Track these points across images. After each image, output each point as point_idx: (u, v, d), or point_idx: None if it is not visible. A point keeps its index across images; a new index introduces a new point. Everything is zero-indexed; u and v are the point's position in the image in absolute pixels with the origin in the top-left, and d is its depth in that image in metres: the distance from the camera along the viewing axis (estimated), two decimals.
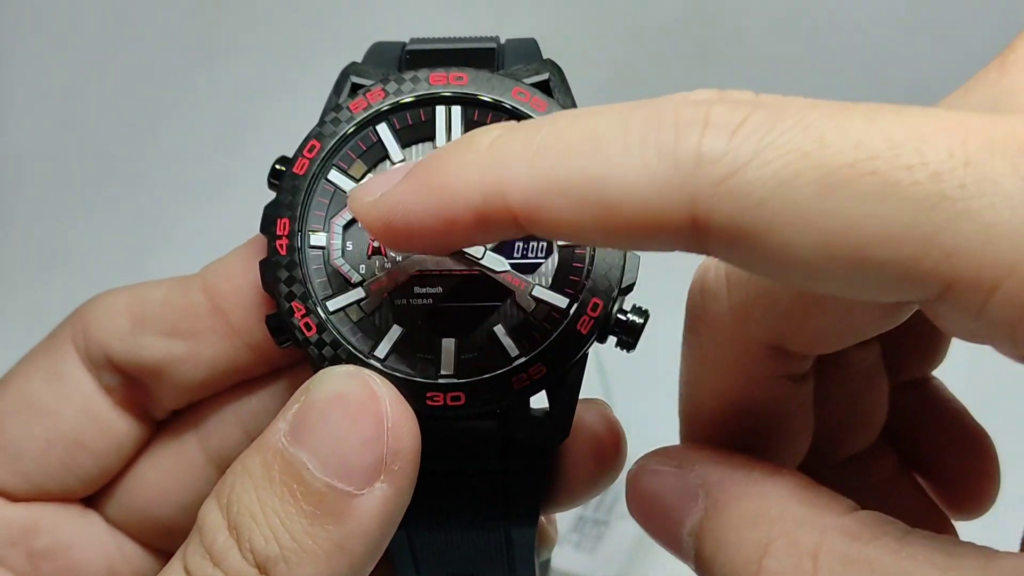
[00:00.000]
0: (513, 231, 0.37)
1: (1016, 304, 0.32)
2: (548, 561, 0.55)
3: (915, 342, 0.52)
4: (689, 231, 0.34)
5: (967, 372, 0.58)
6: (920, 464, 0.54)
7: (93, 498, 0.52)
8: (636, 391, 0.77)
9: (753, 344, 0.44)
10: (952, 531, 0.53)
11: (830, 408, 0.49)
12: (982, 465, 0.53)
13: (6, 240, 1.02)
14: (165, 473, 0.52)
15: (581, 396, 0.46)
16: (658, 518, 0.41)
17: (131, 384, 0.50)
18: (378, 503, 0.40)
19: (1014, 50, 0.37)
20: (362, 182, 0.44)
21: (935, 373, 0.54)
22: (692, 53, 1.14)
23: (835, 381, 0.49)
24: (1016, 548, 0.36)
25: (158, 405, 0.51)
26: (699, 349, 0.45)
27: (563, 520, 0.84)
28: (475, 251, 0.45)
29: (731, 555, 0.38)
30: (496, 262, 0.45)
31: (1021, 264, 0.31)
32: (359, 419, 0.40)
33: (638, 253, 0.44)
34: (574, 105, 0.46)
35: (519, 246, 0.45)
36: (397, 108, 0.45)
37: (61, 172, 1.04)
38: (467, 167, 0.36)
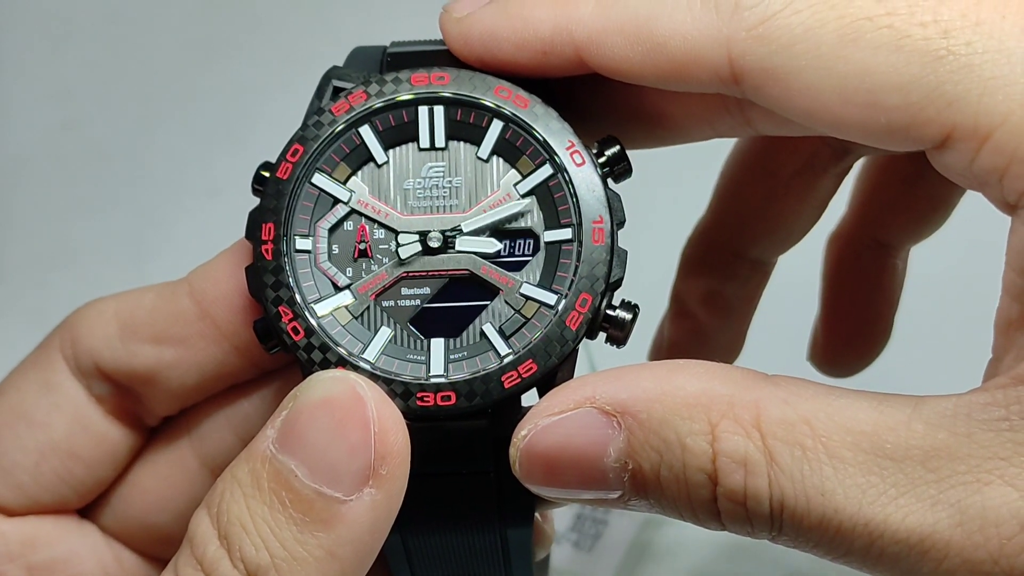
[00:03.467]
0: (574, 65, 0.42)
1: (1005, 152, 0.35)
2: (548, 559, 0.55)
3: (910, 207, 0.56)
4: (726, 72, 0.39)
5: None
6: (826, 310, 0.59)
7: (88, 508, 0.52)
8: None
9: None
10: None
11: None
12: (868, 348, 0.59)
13: (7, 240, 1.01)
14: (160, 480, 0.51)
15: None
16: (572, 465, 0.40)
17: (122, 392, 0.50)
18: (368, 508, 0.40)
19: None
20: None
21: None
22: None
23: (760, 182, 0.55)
24: None
25: (150, 412, 0.51)
26: None
27: (561, 518, 0.84)
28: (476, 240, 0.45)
29: (677, 454, 0.38)
30: (489, 244, 0.45)
31: (1013, 115, 0.35)
32: (346, 424, 0.40)
33: (625, 249, 0.44)
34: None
35: (507, 244, 0.45)
36: (379, 110, 0.45)
37: (62, 172, 1.04)
38: (544, 1, 0.42)
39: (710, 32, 0.39)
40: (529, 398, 0.45)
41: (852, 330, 0.60)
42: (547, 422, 0.40)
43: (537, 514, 0.49)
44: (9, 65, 1.06)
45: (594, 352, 0.78)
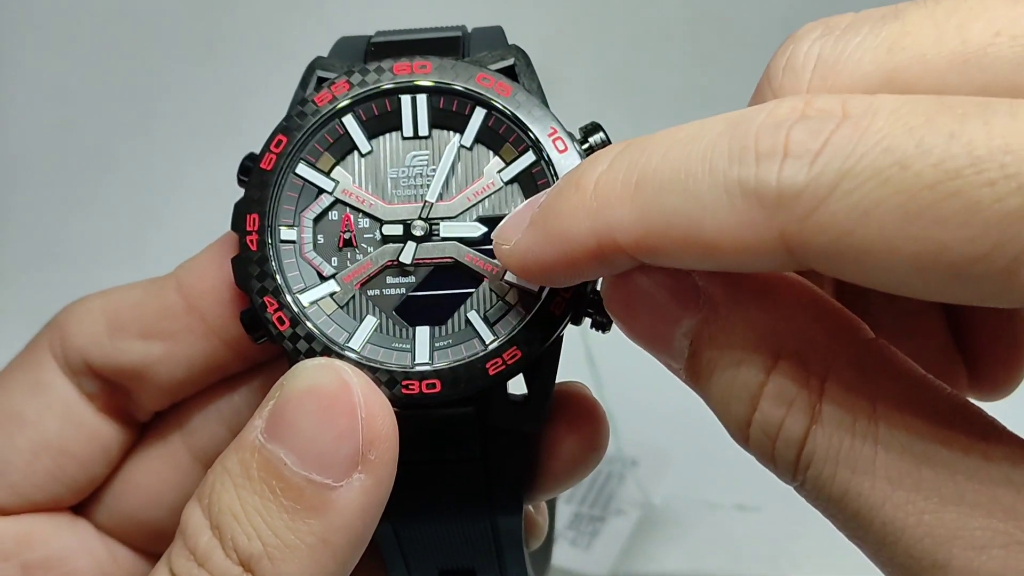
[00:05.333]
0: (632, 263, 0.38)
1: None
2: (549, 553, 0.54)
3: None
4: (788, 258, 0.34)
5: None
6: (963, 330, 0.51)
7: (82, 505, 0.52)
8: (626, 387, 0.77)
9: None
10: None
11: None
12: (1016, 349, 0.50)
13: (5, 240, 1.02)
14: (152, 475, 0.52)
15: (560, 379, 0.46)
16: (647, 314, 0.39)
17: (112, 389, 0.50)
18: (358, 494, 0.40)
19: None
20: (500, 225, 0.42)
21: None
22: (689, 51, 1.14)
23: None
24: None
25: (140, 408, 0.51)
26: None
27: (559, 516, 0.84)
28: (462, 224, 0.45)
29: (733, 364, 0.37)
30: (473, 228, 0.45)
31: None
32: (333, 411, 0.40)
33: None
34: (539, 89, 0.46)
35: (491, 231, 0.45)
36: (362, 99, 0.45)
37: (60, 172, 1.04)
38: (577, 214, 0.38)
39: (759, 229, 0.34)
40: (515, 385, 0.45)
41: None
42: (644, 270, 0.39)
43: (529, 505, 0.49)
44: (9, 65, 1.07)
45: (593, 350, 0.78)
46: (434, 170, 0.46)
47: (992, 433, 0.35)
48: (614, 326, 0.45)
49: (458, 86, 0.45)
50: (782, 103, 0.34)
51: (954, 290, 0.33)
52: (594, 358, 0.84)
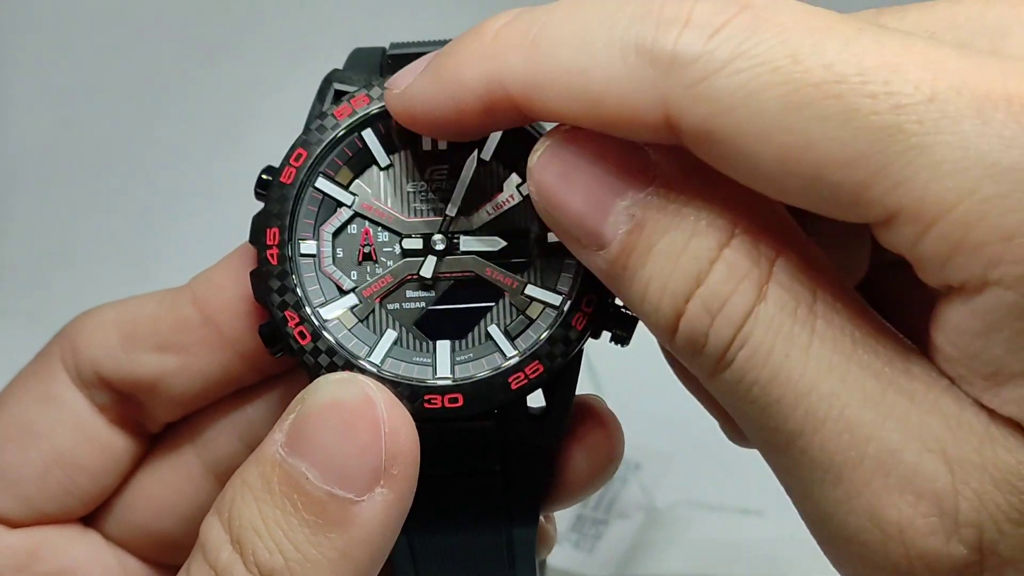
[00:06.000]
0: (516, 118, 0.38)
1: (948, 242, 0.33)
2: (544, 561, 0.55)
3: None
4: (664, 128, 0.35)
5: None
6: None
7: (92, 516, 0.52)
8: (627, 390, 0.77)
9: None
10: None
11: None
12: None
13: (6, 240, 1.01)
14: (164, 486, 0.51)
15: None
16: (586, 184, 0.38)
17: (124, 401, 0.50)
18: (380, 508, 0.40)
19: None
20: (395, 74, 0.43)
21: None
22: None
23: None
24: None
25: (153, 419, 0.51)
26: None
27: (562, 519, 0.84)
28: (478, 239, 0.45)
29: (684, 238, 0.37)
30: (493, 243, 0.45)
31: (961, 204, 0.32)
32: (356, 425, 0.40)
33: None
34: None
35: (510, 245, 0.45)
36: (382, 113, 0.45)
37: (60, 172, 1.04)
38: (472, 57, 0.39)
39: (644, 88, 0.35)
40: (535, 399, 0.45)
41: None
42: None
43: (541, 515, 0.49)
44: (9, 65, 1.06)
45: (594, 358, 0.78)
46: (453, 184, 0.45)
47: (912, 353, 0.36)
48: (632, 342, 0.45)
49: None
50: None
51: (808, 192, 0.34)
52: (593, 362, 0.84)
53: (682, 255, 0.37)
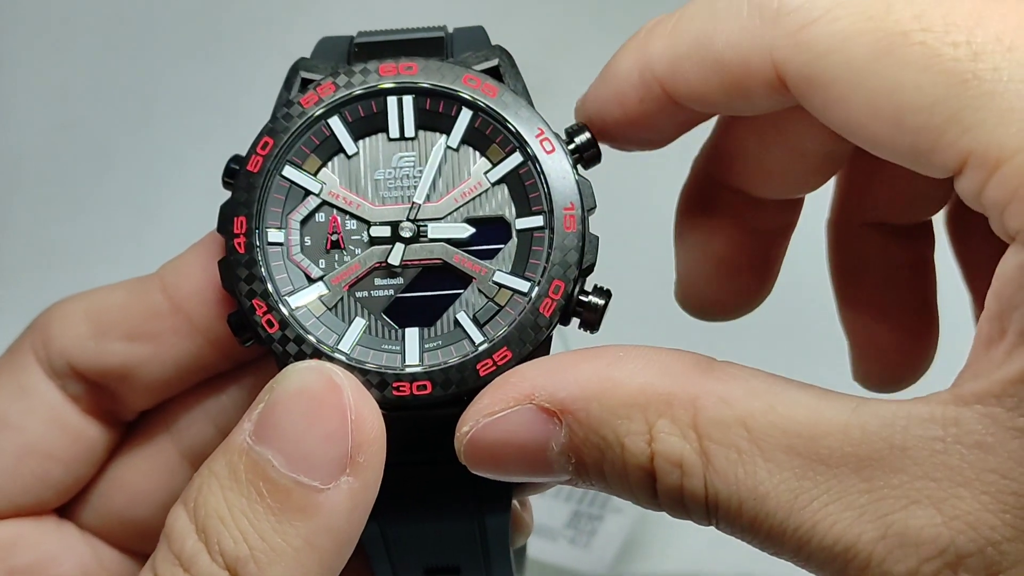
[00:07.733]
0: (667, 104, 0.42)
1: (1008, 187, 0.34)
2: (524, 548, 0.54)
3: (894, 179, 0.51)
4: (775, 81, 0.38)
5: None
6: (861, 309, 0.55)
7: (67, 507, 0.52)
8: None
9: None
10: None
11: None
12: (910, 355, 0.54)
13: (6, 240, 1.02)
14: (139, 474, 0.51)
15: None
16: (517, 457, 0.40)
17: (96, 390, 0.50)
18: (345, 497, 0.40)
19: None
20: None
21: None
22: None
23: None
24: None
25: (126, 408, 0.51)
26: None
27: (558, 515, 0.84)
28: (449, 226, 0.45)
29: (617, 452, 0.38)
30: (461, 229, 0.45)
31: (1022, 151, 0.33)
32: (322, 413, 0.40)
33: (596, 235, 0.44)
34: (525, 90, 0.46)
35: (479, 232, 0.45)
36: (348, 101, 0.45)
37: (60, 172, 1.04)
38: (627, 51, 0.43)
39: (754, 39, 0.38)
40: None
41: (883, 336, 0.55)
42: (487, 421, 0.40)
43: (515, 501, 0.49)
44: (9, 65, 1.07)
45: (569, 337, 0.78)
46: (421, 171, 0.45)
47: (859, 405, 0.37)
48: (602, 328, 0.45)
49: (444, 87, 0.45)
50: None
51: (894, 140, 0.36)
52: (571, 345, 0.84)
53: (628, 464, 0.39)
